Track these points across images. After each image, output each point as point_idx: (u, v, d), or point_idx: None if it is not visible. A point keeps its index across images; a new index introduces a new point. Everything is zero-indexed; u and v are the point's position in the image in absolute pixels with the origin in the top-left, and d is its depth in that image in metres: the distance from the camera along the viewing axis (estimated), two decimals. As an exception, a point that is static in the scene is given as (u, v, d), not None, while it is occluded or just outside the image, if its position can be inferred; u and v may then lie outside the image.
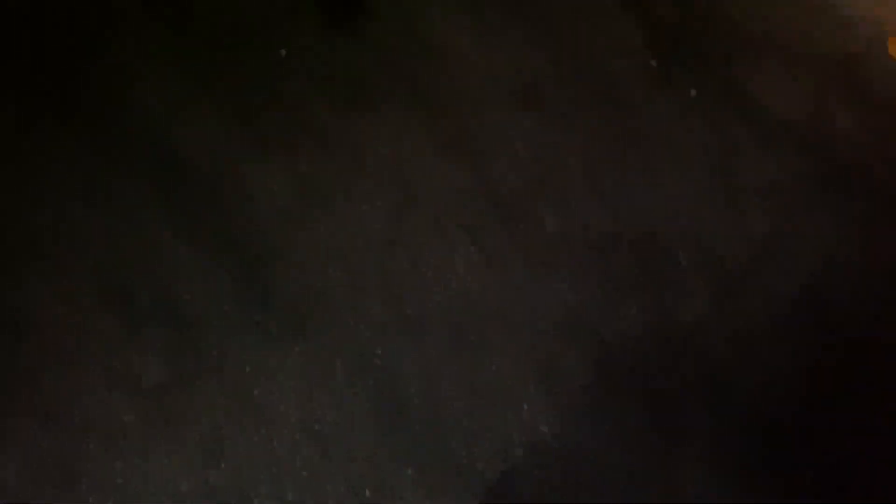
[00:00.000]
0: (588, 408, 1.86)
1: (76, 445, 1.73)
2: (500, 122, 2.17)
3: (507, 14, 2.31)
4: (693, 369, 1.87)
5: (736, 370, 1.90)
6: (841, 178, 2.19)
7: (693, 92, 2.21)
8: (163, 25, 2.17)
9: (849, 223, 2.09)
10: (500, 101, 2.20)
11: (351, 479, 1.75)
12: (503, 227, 2.03)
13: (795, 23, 2.43)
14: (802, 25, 2.44)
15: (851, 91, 2.38)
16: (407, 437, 1.80)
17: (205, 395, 1.80)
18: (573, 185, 2.10)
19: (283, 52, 2.23)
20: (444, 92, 2.20)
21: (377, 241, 2.00)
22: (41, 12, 2.15)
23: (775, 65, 2.34)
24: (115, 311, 1.86)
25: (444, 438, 1.81)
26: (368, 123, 2.14)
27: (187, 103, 2.10)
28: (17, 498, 1.67)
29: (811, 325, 1.97)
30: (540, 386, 1.86)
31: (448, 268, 1.98)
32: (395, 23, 2.27)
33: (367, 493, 1.75)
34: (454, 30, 2.28)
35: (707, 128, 2.19)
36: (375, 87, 2.19)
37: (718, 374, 1.92)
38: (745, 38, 2.35)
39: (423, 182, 2.08)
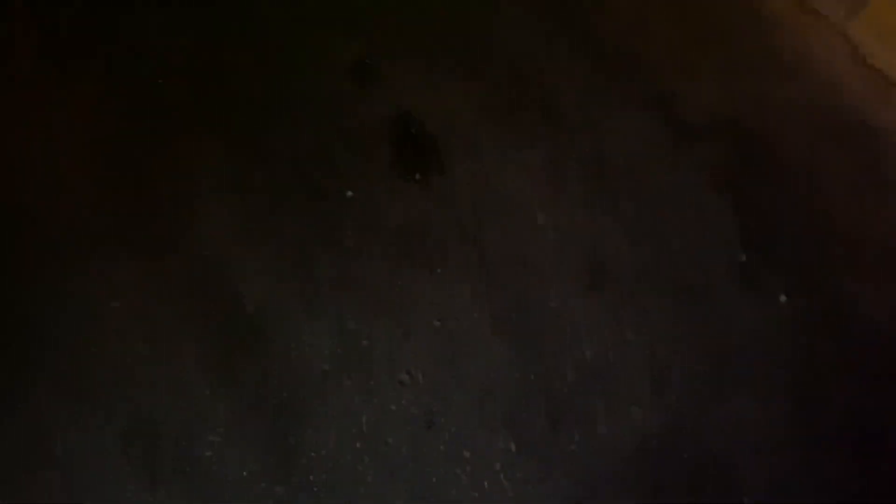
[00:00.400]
0: None
1: None
2: (564, 302, 2.05)
3: (588, 182, 2.20)
4: None
5: None
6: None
7: (783, 298, 2.03)
8: (231, 156, 2.16)
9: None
10: (569, 278, 2.08)
11: None
12: (550, 425, 1.89)
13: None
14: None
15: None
16: None
17: (208, 570, 1.73)
18: (634, 386, 1.95)
19: (350, 194, 2.19)
20: (509, 259, 2.10)
21: (414, 420, 1.90)
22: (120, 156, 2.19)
23: (876, 274, 2.12)
24: (136, 454, 1.82)
25: None
26: (424, 283, 2.06)
27: (245, 238, 2.08)
28: None
29: None
30: None
31: (484, 463, 1.85)
32: (466, 178, 2.19)
33: None
34: (528, 193, 2.19)
35: (793, 342, 2.00)
36: (436, 245, 2.11)
37: None
38: (847, 241, 2.14)
39: (472, 358, 1.98)
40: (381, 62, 2.35)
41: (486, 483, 1.83)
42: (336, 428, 1.88)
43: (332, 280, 2.06)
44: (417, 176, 2.22)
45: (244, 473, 1.82)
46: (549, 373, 1.97)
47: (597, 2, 2.44)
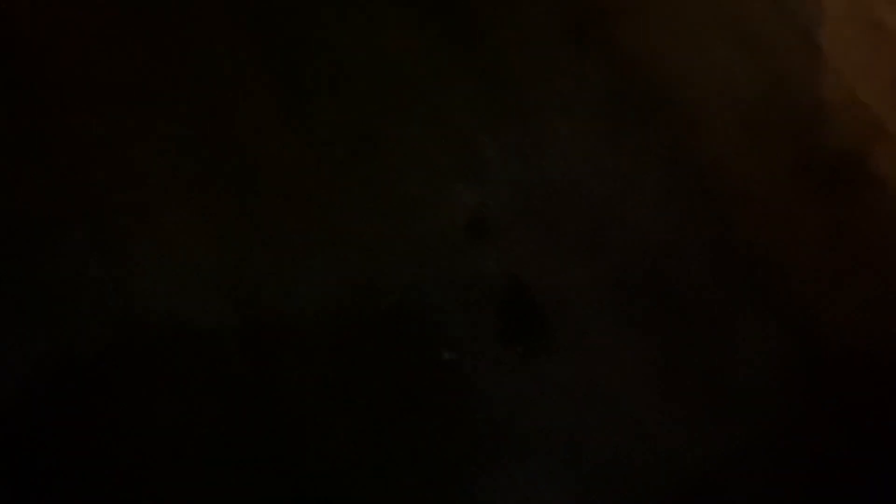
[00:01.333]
0: None
1: None
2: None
3: (704, 397, 2.07)
4: None
5: None
6: None
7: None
8: (332, 292, 2.11)
9: None
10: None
11: None
12: None
13: None
14: None
15: None
16: None
17: None
18: None
19: (447, 355, 2.11)
20: (605, 467, 1.96)
21: None
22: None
23: None
24: None
25: None
26: (507, 477, 1.93)
27: (327, 386, 2.00)
28: None
29: None
30: None
31: None
32: (571, 365, 2.09)
33: None
34: (637, 395, 2.06)
35: None
36: (528, 434, 1.99)
37: None
38: None
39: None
40: (501, 219, 2.29)
41: None
42: None
43: (412, 451, 1.96)
44: (520, 349, 2.13)
45: None
46: None
47: (741, 200, 2.34)
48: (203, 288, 2.06)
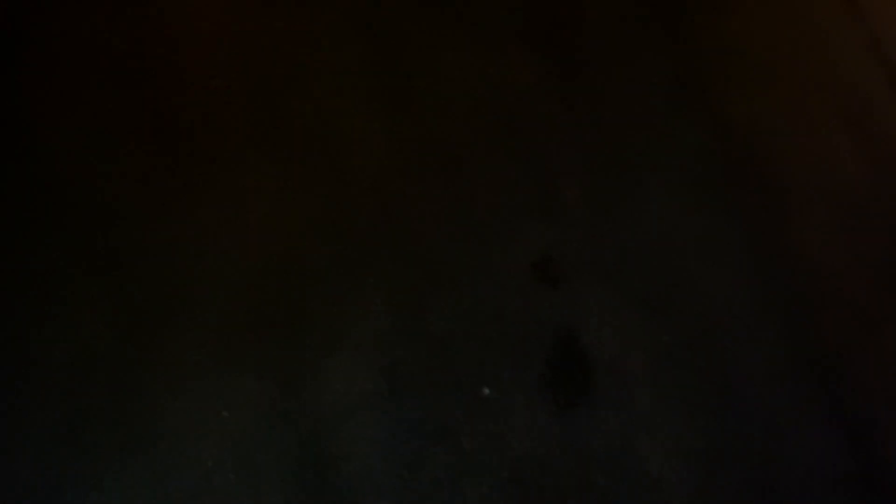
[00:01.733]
0: None
1: None
2: None
3: (747, 492, 1.95)
4: None
5: None
6: None
7: None
8: (388, 312, 2.12)
9: None
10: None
11: None
12: None
13: None
14: None
15: None
16: None
17: None
18: None
19: (487, 391, 2.09)
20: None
21: None
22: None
23: None
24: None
25: None
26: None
27: (365, 404, 2.00)
28: None
29: None
30: None
31: None
32: (609, 427, 2.04)
33: None
34: (673, 474, 1.98)
35: None
36: (553, 488, 1.94)
37: None
38: None
39: None
40: (569, 265, 2.26)
41: None
42: None
43: (439, 483, 1.94)
44: (562, 402, 2.08)
45: None
46: None
47: (824, 293, 2.23)
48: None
